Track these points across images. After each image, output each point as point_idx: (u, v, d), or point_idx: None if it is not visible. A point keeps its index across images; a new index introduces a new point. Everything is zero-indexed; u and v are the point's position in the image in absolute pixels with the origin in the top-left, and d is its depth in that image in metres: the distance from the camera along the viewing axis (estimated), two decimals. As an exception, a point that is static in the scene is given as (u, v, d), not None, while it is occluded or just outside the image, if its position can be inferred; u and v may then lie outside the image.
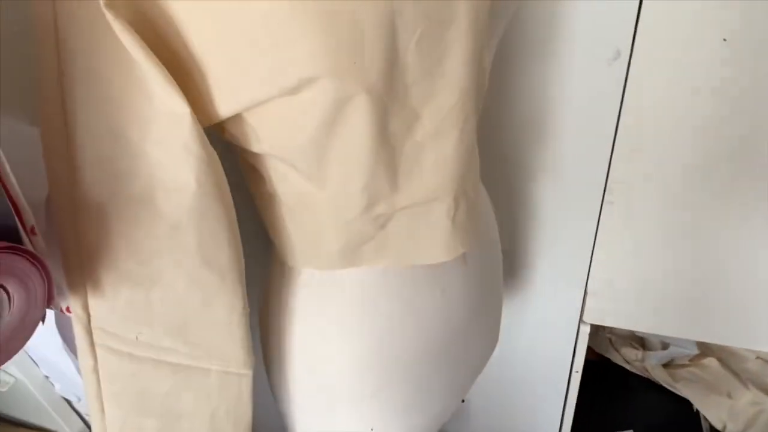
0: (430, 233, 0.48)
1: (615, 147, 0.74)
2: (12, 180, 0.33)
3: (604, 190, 0.79)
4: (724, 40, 0.64)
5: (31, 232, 0.33)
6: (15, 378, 0.58)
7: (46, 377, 0.58)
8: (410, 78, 0.39)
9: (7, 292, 0.31)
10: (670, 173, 0.74)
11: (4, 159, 0.34)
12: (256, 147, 0.43)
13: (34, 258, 0.32)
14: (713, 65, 0.65)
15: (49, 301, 0.33)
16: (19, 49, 0.38)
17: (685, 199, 0.76)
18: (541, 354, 1.04)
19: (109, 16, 0.33)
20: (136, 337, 0.44)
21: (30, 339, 0.34)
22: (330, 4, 0.34)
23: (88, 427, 0.64)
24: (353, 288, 0.51)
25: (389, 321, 0.54)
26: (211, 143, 0.40)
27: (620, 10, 0.64)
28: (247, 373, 0.49)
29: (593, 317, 0.93)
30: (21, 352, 0.49)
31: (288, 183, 0.45)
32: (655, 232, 0.80)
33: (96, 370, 0.44)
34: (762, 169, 0.71)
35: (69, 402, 0.60)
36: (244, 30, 0.35)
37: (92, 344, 0.43)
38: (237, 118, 0.40)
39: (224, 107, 0.39)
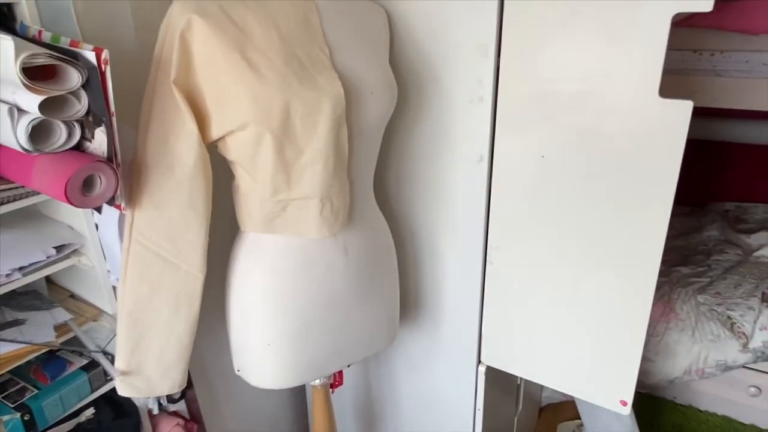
0: (308, 218, 0.89)
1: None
2: (118, 145, 0.80)
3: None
4: (542, 156, 1.00)
5: (118, 165, 0.79)
6: (93, 264, 1.03)
7: (108, 271, 1.03)
8: (298, 131, 0.83)
9: (100, 179, 0.77)
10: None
11: (117, 137, 0.81)
12: (229, 156, 0.88)
13: (114, 172, 0.78)
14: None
15: (115, 193, 0.79)
16: (133, 91, 0.87)
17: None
18: (445, 394, 1.32)
19: (174, 87, 0.81)
20: (151, 237, 0.87)
21: (100, 205, 0.79)
22: (257, 92, 0.79)
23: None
24: (270, 247, 0.92)
25: (290, 274, 0.93)
26: (211, 154, 0.85)
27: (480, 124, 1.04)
28: (199, 277, 0.90)
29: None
30: (97, 247, 0.95)
31: (241, 178, 0.89)
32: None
33: (128, 250, 0.87)
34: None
35: (114, 288, 1.04)
36: (225, 99, 0.81)
37: (131, 235, 0.87)
38: (221, 140, 0.86)
39: (215, 133, 0.84)
